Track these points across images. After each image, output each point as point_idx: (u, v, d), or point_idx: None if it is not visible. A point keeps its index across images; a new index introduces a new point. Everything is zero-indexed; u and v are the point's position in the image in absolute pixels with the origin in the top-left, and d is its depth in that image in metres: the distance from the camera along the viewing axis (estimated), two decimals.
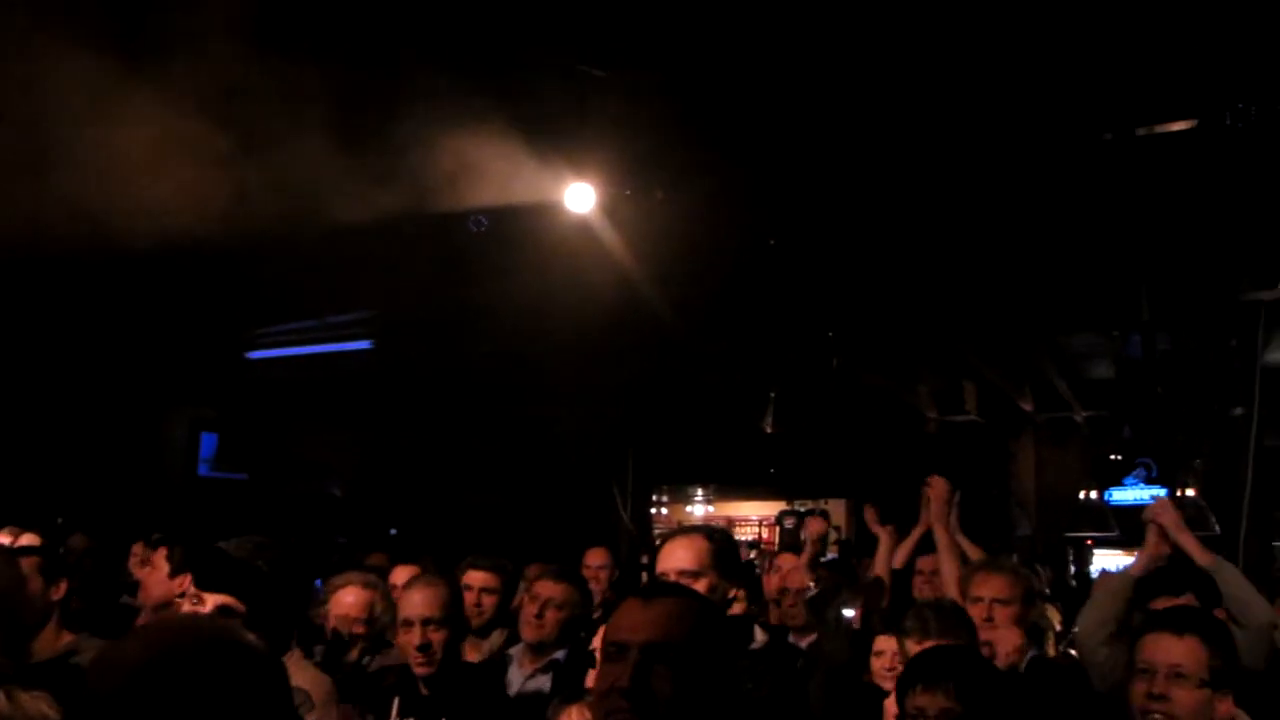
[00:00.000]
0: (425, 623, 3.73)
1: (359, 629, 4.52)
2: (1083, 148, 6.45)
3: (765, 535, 16.26)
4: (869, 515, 5.73)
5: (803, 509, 15.61)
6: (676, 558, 3.20)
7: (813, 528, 5.96)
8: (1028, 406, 12.93)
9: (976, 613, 4.16)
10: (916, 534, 5.39)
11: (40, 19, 4.91)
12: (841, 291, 8.18)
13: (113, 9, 4.93)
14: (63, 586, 3.89)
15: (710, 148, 6.83)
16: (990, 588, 4.37)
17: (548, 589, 4.55)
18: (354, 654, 4.49)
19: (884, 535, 5.64)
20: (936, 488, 5.23)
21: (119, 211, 5.78)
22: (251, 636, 1.47)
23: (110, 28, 4.98)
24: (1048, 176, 6.72)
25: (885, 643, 4.19)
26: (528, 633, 4.54)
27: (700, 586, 3.15)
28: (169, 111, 5.31)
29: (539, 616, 4.50)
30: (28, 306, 8.75)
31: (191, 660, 1.37)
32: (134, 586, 5.52)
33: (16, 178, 5.38)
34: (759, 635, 3.36)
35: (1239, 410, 7.48)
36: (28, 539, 5.05)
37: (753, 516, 16.89)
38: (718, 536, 3.30)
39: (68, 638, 3.82)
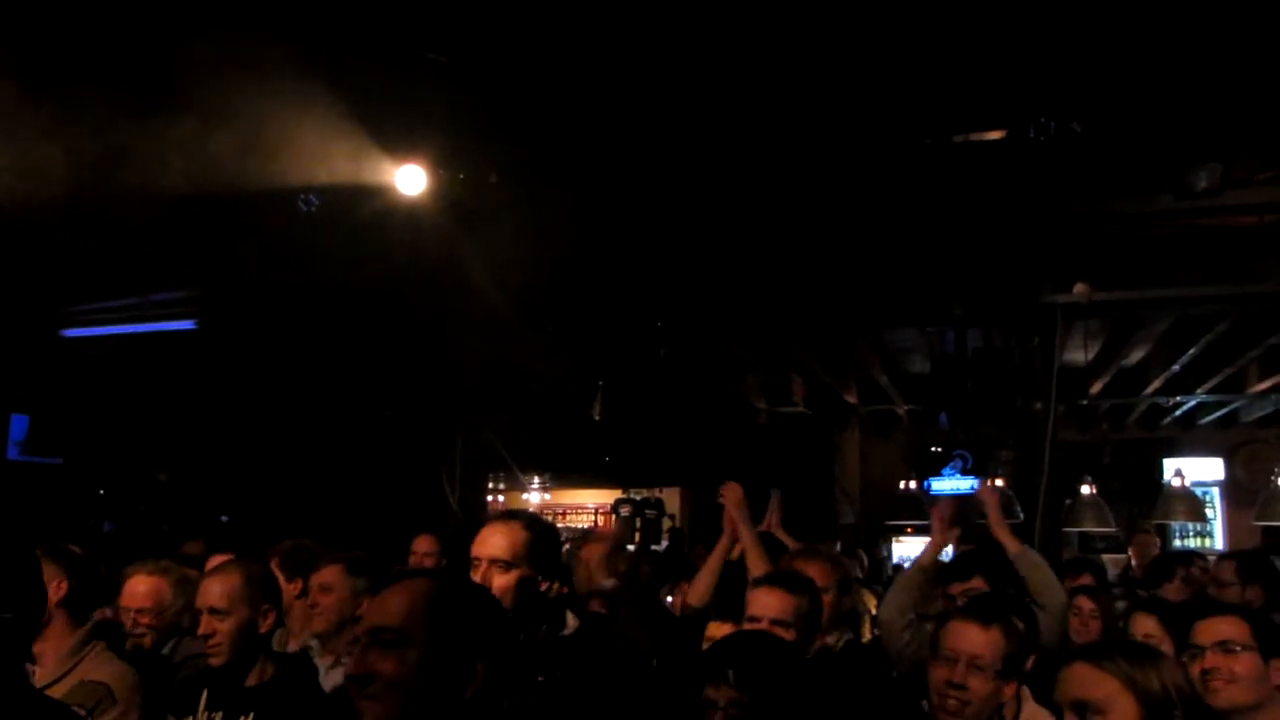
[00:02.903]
0: (211, 611, 3.66)
1: (145, 618, 4.42)
2: (904, 152, 6.71)
3: (601, 523, 16.40)
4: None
5: (638, 497, 15.81)
6: (491, 545, 3.20)
7: (606, 529, 6.00)
8: (852, 399, 13.38)
9: None
10: (724, 543, 5.34)
11: None
12: (670, 282, 8.32)
13: None
14: None
15: (542, 133, 6.84)
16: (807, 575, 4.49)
17: (317, 577, 4.54)
18: (146, 643, 4.38)
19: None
20: (730, 494, 5.28)
21: None
22: None
23: None
24: (871, 179, 6.98)
25: (717, 629, 4.29)
26: (313, 624, 4.53)
27: (512, 577, 3.16)
28: None
29: (314, 605, 4.49)
30: None
31: None
32: None
33: None
34: (571, 621, 3.37)
35: (1039, 405, 7.92)
36: None
37: (589, 504, 17.01)
38: (537, 527, 3.30)
39: None
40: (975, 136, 6.63)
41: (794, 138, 6.57)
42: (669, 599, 7.09)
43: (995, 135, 6.54)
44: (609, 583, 5.47)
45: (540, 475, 16.08)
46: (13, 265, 8.60)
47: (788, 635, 3.76)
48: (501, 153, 7.10)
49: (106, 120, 5.69)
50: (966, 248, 7.53)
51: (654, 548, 13.50)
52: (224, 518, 13.17)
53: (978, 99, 6.30)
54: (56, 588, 3.84)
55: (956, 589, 4.55)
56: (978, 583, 4.50)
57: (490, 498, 14.83)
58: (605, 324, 8.89)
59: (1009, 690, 3.38)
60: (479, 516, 13.02)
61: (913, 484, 12.63)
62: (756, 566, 4.94)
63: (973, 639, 3.35)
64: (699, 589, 5.13)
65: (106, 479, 13.20)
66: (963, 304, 8.21)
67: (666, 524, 15.58)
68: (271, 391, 10.81)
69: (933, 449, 12.51)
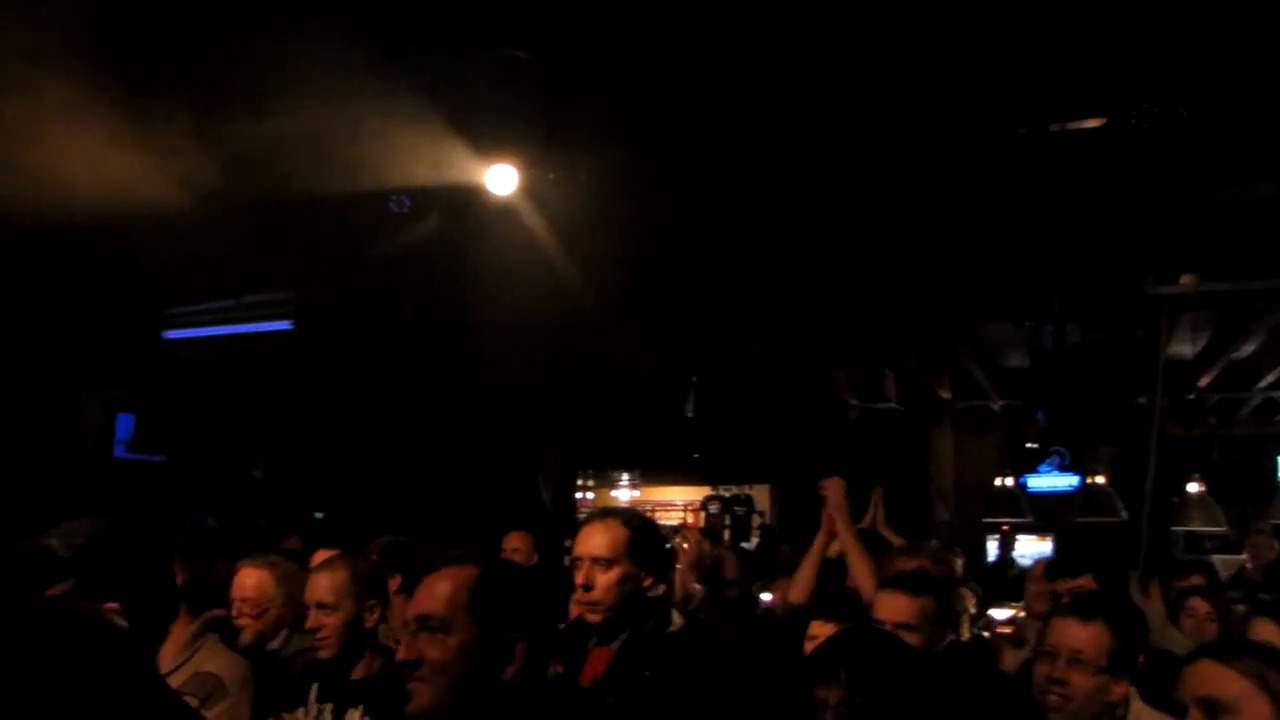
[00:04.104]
0: (319, 606, 3.71)
1: (247, 608, 4.48)
2: (1000, 143, 6.58)
3: (690, 520, 16.37)
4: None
5: (727, 494, 15.75)
6: (592, 544, 3.17)
7: (687, 536, 5.93)
8: (946, 395, 13.17)
9: None
10: (822, 539, 5.21)
11: None
12: (762, 278, 8.26)
13: None
14: None
15: (635, 131, 6.84)
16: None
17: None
18: (248, 637, 4.44)
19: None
20: (832, 490, 5.12)
21: (28, 190, 5.65)
22: (96, 608, 1.45)
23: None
24: (966, 170, 6.85)
25: (820, 628, 4.22)
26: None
27: (614, 575, 3.14)
28: (79, 93, 5.20)
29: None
30: None
31: (23, 632, 1.36)
32: None
33: None
34: (676, 619, 3.34)
35: (1142, 400, 7.70)
36: None
37: (677, 501, 16.97)
38: (636, 523, 3.27)
39: None
40: (1073, 125, 6.47)
41: (889, 132, 6.48)
42: (765, 596, 7.03)
43: (1094, 123, 6.37)
44: (697, 589, 5.43)
45: (629, 473, 16.12)
46: (118, 271, 8.87)
47: (913, 639, 3.68)
48: (593, 152, 7.11)
49: (203, 128, 5.83)
50: (1065, 239, 7.35)
51: (744, 545, 13.44)
52: (318, 514, 13.39)
53: (1075, 86, 6.15)
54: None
55: (1063, 586, 4.44)
56: (1085, 580, 4.38)
57: (579, 495, 14.90)
58: (697, 321, 8.86)
59: (1118, 690, 3.28)
60: (570, 514, 13.13)
61: (1009, 481, 12.38)
62: (857, 565, 4.85)
63: (1073, 634, 3.26)
64: (800, 587, 5.05)
65: (206, 476, 13.52)
66: (1062, 297, 8.02)
67: (756, 521, 15.50)
68: (364, 389, 10.99)
69: (1029, 445, 12.25)
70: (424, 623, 2.15)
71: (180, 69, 5.36)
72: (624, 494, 16.76)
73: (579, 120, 6.95)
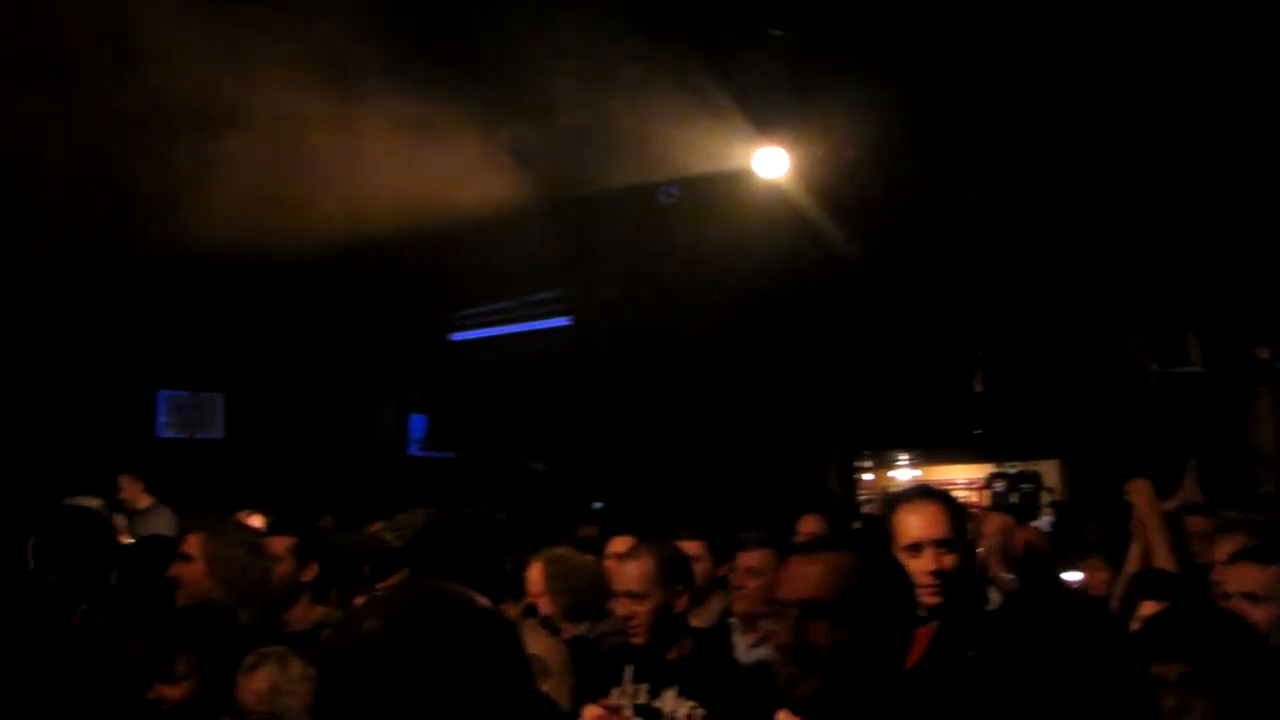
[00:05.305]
0: (629, 595, 3.80)
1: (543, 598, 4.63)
2: None
3: (975, 500, 15.79)
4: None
5: (1012, 471, 15.10)
6: (939, 525, 3.10)
7: (990, 524, 5.69)
8: (1265, 354, 12.04)
9: None
10: (1138, 549, 4.90)
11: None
12: (1047, 241, 7.82)
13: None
14: (313, 568, 4.11)
15: (903, 103, 6.65)
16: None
17: (745, 558, 4.55)
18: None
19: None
20: (1138, 492, 4.79)
21: (334, 209, 6.06)
22: (484, 600, 1.51)
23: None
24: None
25: (1149, 607, 4.03)
26: (735, 604, 4.56)
27: (955, 558, 3.09)
28: (377, 110, 5.52)
29: (739, 586, 4.51)
30: (260, 313, 9.35)
31: (426, 617, 1.42)
32: None
33: (241, 187, 5.71)
34: (994, 597, 3.25)
35: None
36: (257, 520, 5.36)
37: (959, 480, 16.41)
38: (955, 503, 3.21)
39: (319, 611, 4.05)
40: None
41: (1184, 83, 6.00)
42: (1072, 575, 6.68)
43: None
44: (1006, 578, 5.22)
45: (908, 453, 15.73)
46: (411, 280, 9.43)
47: (1263, 610, 3.46)
48: (864, 128, 6.94)
49: (491, 134, 6.08)
50: None
51: (1033, 524, 12.82)
52: (596, 505, 13.77)
53: None
54: None
55: None
56: None
57: (858, 476, 14.69)
58: (983, 293, 8.51)
59: None
60: (853, 495, 12.94)
61: None
62: (1164, 564, 4.60)
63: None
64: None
65: (493, 470, 14.15)
66: None
67: (1045, 498, 14.77)
68: (644, 380, 11.22)
69: None
70: (809, 607, 2.10)
71: (465, 74, 5.59)
72: (903, 474, 16.37)
73: (845, 98, 6.81)
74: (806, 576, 2.12)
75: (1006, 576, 5.22)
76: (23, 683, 3.64)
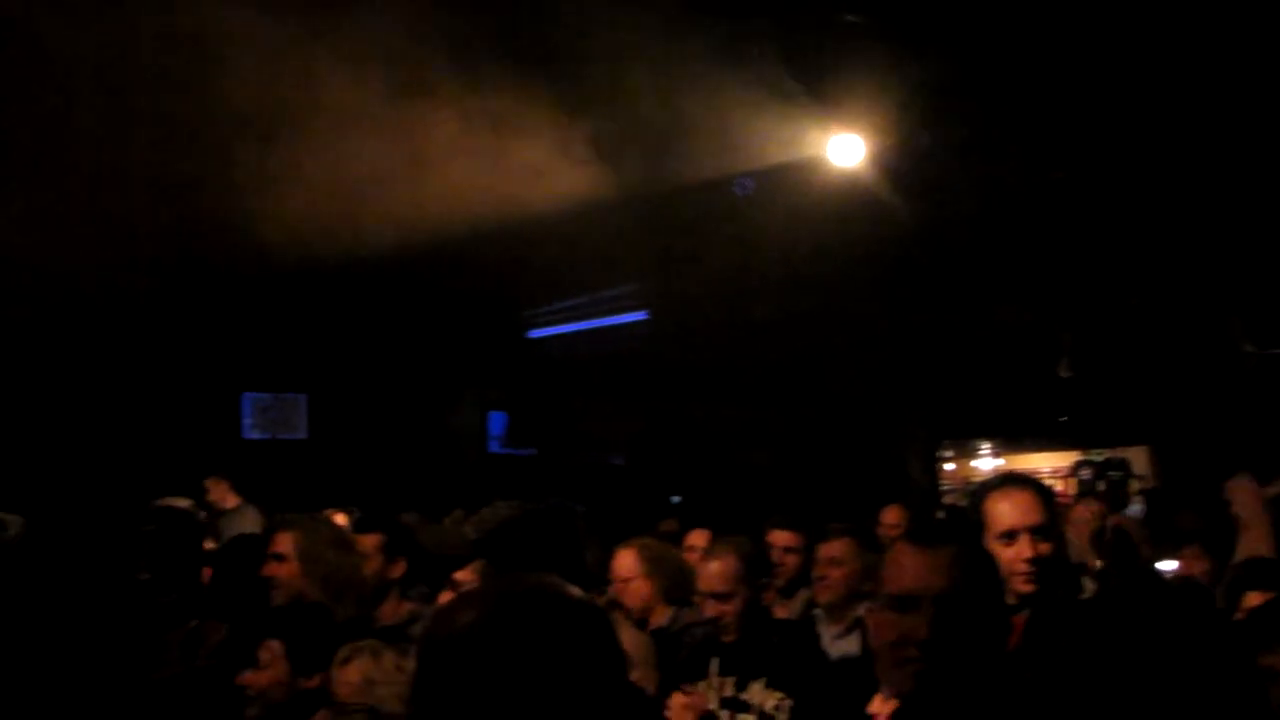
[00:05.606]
0: (714, 596, 3.84)
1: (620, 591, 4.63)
2: None
3: (1060, 488, 15.48)
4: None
5: (1099, 458, 14.75)
6: (1034, 513, 3.03)
7: (1079, 512, 5.54)
8: None
9: None
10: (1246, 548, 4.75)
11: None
12: (1138, 220, 7.61)
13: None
14: (401, 564, 4.17)
15: (981, 82, 6.53)
16: None
17: (826, 549, 4.53)
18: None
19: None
20: (1238, 490, 4.64)
21: (414, 211, 6.12)
22: (579, 591, 1.51)
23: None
24: None
25: (1255, 598, 3.91)
26: (818, 595, 4.53)
27: (1050, 545, 3.04)
28: (453, 110, 5.57)
29: (822, 577, 4.48)
30: (341, 315, 9.52)
31: (522, 607, 1.43)
32: None
33: (322, 190, 5.79)
34: (1089, 585, 3.19)
35: None
36: (341, 519, 5.44)
37: (1044, 469, 16.09)
38: (1045, 489, 3.15)
39: (408, 607, 4.10)
40: None
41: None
42: (1167, 565, 6.50)
43: None
44: (1097, 563, 5.11)
45: (990, 441, 15.47)
46: (488, 279, 9.50)
47: None
48: (939, 110, 6.83)
49: (567, 132, 6.10)
50: None
51: (1124, 513, 12.52)
52: (674, 498, 13.77)
53: None
54: None
55: None
56: None
57: (940, 465, 14.49)
58: (1070, 274, 8.31)
59: None
60: (936, 485, 12.76)
61: None
62: (1265, 553, 4.45)
63: None
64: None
65: (572, 466, 14.20)
66: None
67: (1134, 485, 14.41)
68: (721, 372, 11.18)
69: None
70: (919, 601, 2.08)
71: (541, 69, 5.62)
72: (985, 463, 16.11)
73: (919, 82, 6.70)
74: (914, 569, 2.11)
75: (1099, 564, 5.12)
76: (122, 676, 3.74)
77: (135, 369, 10.41)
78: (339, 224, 6.10)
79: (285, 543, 3.82)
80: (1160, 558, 6.95)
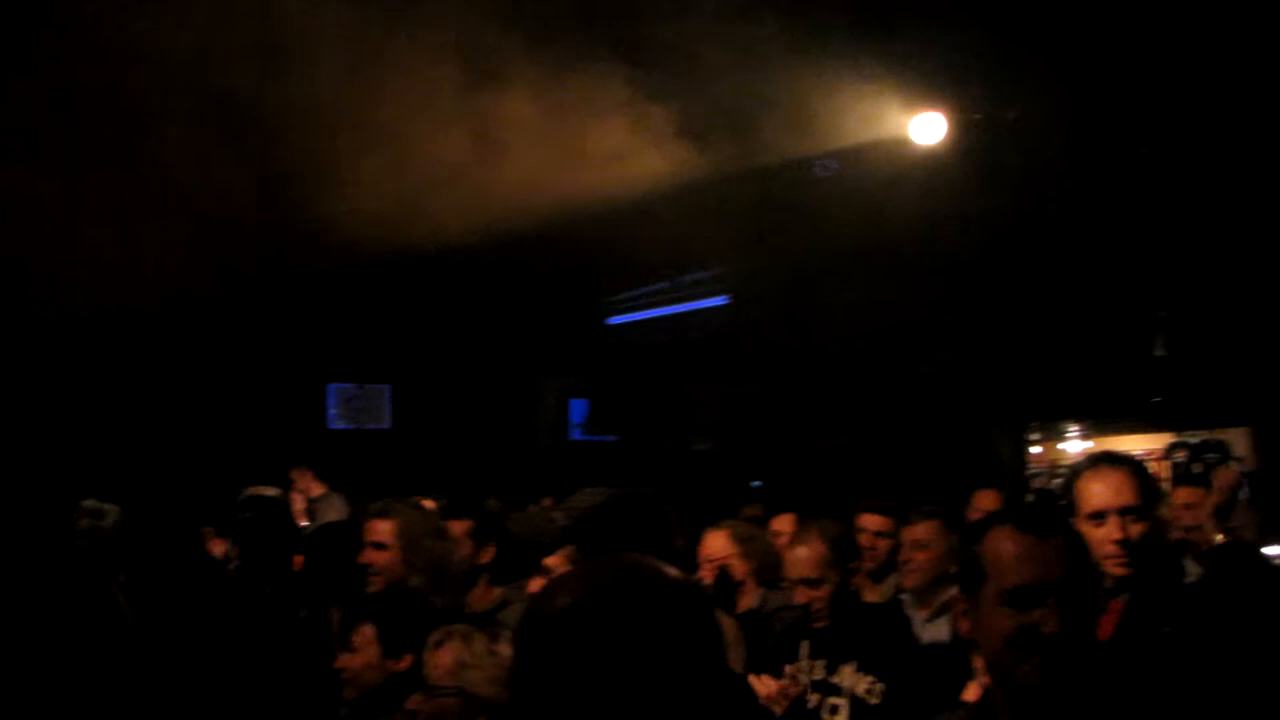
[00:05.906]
0: (805, 582, 3.81)
1: (705, 569, 4.61)
2: None
3: (1152, 471, 15.07)
4: None
5: (1194, 440, 14.32)
6: (1125, 493, 2.95)
7: (1223, 479, 5.38)
8: None
9: None
10: None
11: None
12: (1232, 192, 7.35)
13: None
14: (490, 550, 4.20)
15: (1066, 57, 6.36)
16: None
17: (910, 532, 4.47)
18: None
19: None
20: None
21: (486, 202, 6.15)
22: (677, 572, 1.49)
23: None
24: None
25: None
26: (905, 579, 4.47)
27: (1145, 526, 2.95)
28: (533, 96, 5.58)
29: (907, 560, 4.42)
30: (423, 306, 9.64)
31: (622, 588, 1.42)
32: None
33: (403, 182, 5.85)
34: (1192, 569, 3.08)
35: None
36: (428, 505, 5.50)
37: (1136, 451, 15.68)
38: (1143, 470, 3.06)
39: (498, 592, 4.13)
40: None
41: None
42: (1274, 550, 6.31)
43: None
44: (1218, 537, 4.96)
45: (1080, 423, 15.10)
46: (567, 266, 9.54)
47: None
48: (1023, 86, 6.67)
49: (635, 111, 6.07)
50: None
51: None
52: (755, 483, 13.70)
53: None
54: None
55: None
56: None
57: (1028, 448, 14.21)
58: (1163, 252, 8.05)
59: None
60: (1024, 468, 12.53)
61: None
62: None
63: None
64: None
65: (655, 452, 14.21)
66: None
67: (1234, 468, 13.96)
68: (805, 356, 11.08)
69: None
70: (1027, 595, 2.03)
71: (621, 52, 5.60)
72: (1073, 446, 15.75)
73: (1009, 55, 6.55)
74: (1033, 560, 2.04)
75: (1219, 537, 4.98)
76: (222, 658, 3.82)
77: (224, 363, 10.67)
78: (420, 215, 6.14)
79: (386, 530, 3.80)
80: (1268, 543, 6.75)
